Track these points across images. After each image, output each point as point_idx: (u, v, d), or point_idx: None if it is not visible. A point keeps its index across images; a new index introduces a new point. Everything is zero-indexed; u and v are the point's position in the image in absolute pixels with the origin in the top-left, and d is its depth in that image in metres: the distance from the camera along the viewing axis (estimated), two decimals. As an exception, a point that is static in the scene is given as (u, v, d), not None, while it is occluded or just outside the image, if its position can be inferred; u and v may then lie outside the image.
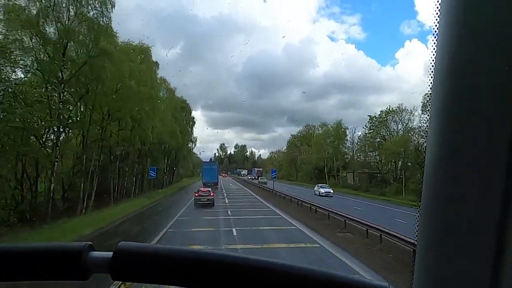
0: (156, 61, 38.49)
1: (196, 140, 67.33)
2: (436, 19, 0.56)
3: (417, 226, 0.58)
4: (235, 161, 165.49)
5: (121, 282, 6.11)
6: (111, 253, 0.56)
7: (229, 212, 24.34)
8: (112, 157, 32.84)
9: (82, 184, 24.88)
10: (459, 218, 0.50)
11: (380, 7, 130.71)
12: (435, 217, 0.54)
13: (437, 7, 0.56)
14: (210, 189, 30.29)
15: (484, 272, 0.48)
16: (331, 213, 20.94)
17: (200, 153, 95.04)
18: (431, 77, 0.57)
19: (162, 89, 43.03)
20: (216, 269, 0.55)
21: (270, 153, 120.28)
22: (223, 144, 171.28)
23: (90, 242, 0.59)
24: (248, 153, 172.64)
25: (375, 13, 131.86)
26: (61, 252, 0.59)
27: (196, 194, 27.85)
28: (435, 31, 0.57)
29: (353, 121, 74.65)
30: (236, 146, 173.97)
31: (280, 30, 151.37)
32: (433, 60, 0.56)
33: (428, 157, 0.56)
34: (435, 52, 0.56)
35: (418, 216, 0.58)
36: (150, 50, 34.13)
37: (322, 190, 41.58)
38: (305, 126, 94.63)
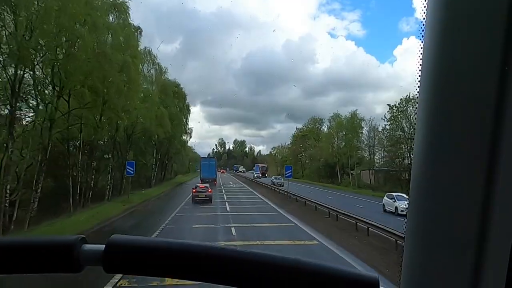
0: (138, 26, 30.07)
1: (191, 132, 59.12)
2: (423, 17, 0.57)
3: (406, 220, 0.60)
4: (234, 157, 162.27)
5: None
6: (104, 245, 0.57)
7: (233, 231, 15.97)
8: (71, 147, 24.42)
9: (6, 185, 16.28)
10: (445, 213, 0.52)
11: (379, 4, 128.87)
12: (422, 212, 0.56)
13: (425, 5, 0.57)
14: (208, 185, 29.16)
15: (468, 265, 0.50)
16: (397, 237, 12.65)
17: (193, 145, 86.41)
18: (419, 75, 0.58)
19: (147, 62, 34.48)
20: (209, 261, 0.55)
21: (272, 148, 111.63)
22: (222, 139, 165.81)
23: (83, 235, 0.59)
24: (247, 149, 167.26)
25: (374, 10, 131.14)
26: (53, 245, 0.59)
27: (194, 190, 26.99)
28: (422, 29, 0.58)
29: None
30: (235, 142, 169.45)
31: (280, 26, 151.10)
32: (420, 53, 0.58)
33: (416, 153, 0.57)
34: (422, 49, 0.57)
35: (407, 213, 0.60)
36: (128, 8, 25.59)
37: (403, 206, 21.39)
38: (311, 119, 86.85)
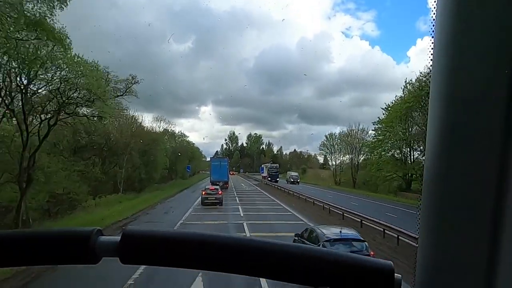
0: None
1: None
2: (433, 16, 0.58)
3: (419, 220, 0.61)
4: (248, 155, 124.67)
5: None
6: (119, 237, 0.58)
7: None
8: None
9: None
10: (457, 211, 0.53)
11: (394, 4, 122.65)
12: (434, 212, 0.57)
13: (434, 5, 0.58)
14: (218, 187, 27.97)
15: (482, 262, 0.50)
16: None
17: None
18: (429, 75, 0.58)
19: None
20: (223, 251, 0.56)
21: (325, 140, 64.50)
22: (233, 132, 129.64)
23: (99, 227, 0.59)
24: (264, 146, 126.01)
25: (389, 10, 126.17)
26: (70, 236, 0.59)
27: (204, 193, 25.61)
28: (432, 29, 0.58)
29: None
30: (249, 137, 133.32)
31: (294, 24, 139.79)
32: (431, 54, 0.58)
33: (427, 153, 0.58)
34: (433, 50, 0.58)
35: (420, 212, 0.60)
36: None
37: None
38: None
